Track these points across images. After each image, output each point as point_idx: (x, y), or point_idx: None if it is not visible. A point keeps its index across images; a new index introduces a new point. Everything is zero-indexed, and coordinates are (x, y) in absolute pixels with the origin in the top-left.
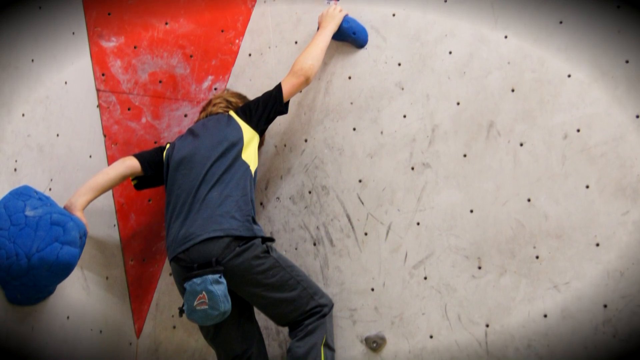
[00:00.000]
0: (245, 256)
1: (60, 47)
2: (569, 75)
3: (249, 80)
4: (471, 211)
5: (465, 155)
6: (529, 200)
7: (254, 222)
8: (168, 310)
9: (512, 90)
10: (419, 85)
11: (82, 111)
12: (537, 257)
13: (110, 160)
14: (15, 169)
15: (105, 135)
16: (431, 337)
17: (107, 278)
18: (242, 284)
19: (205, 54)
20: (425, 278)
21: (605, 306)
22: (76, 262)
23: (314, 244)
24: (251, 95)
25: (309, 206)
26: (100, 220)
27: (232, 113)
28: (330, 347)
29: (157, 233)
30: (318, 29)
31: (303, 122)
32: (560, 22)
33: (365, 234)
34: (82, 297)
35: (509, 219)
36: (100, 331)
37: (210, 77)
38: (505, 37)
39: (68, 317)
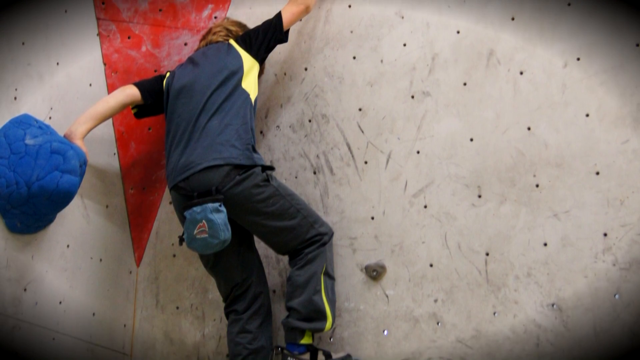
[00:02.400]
0: (245, 185)
1: None
2: (569, 4)
3: (249, 8)
4: (471, 140)
5: (465, 84)
6: (529, 128)
7: (254, 150)
8: (168, 238)
9: (512, 19)
10: (419, 13)
11: (82, 40)
12: (537, 186)
13: (110, 88)
14: (15, 98)
15: (105, 64)
16: (431, 265)
17: (107, 206)
18: (242, 213)
19: None
20: (425, 206)
21: (605, 235)
22: (76, 191)
23: (314, 173)
24: (251, 24)
25: (309, 134)
26: (100, 149)
27: (232, 42)
28: (330, 276)
29: (157, 161)
30: None
31: (303, 51)
32: None
33: (365, 162)
34: (82, 225)
35: (509, 148)
36: (100, 259)
37: (210, 6)
38: None
39: (68, 246)
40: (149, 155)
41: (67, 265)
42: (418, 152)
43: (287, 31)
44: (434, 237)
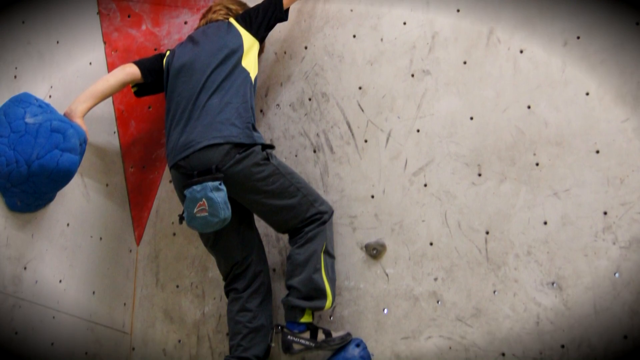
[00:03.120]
0: (245, 163)
1: None
2: None
3: None
4: (471, 118)
5: (465, 62)
6: (529, 107)
7: (254, 129)
8: (168, 217)
9: None
10: None
11: (82, 18)
12: (537, 164)
13: (110, 67)
14: (15, 76)
15: (105, 43)
16: (431, 244)
17: (107, 185)
18: (242, 191)
19: None
20: (425, 185)
21: (605, 213)
22: (76, 169)
23: (314, 151)
24: (251, 3)
25: (309, 113)
26: (100, 128)
27: (232, 20)
28: (330, 254)
29: (157, 140)
30: None
31: (303, 29)
32: None
33: (365, 141)
34: (82, 204)
35: (509, 126)
36: (100, 238)
37: None
38: None
39: (68, 224)
40: (149, 134)
41: (67, 244)
42: (418, 131)
43: (287, 10)
44: (434, 216)
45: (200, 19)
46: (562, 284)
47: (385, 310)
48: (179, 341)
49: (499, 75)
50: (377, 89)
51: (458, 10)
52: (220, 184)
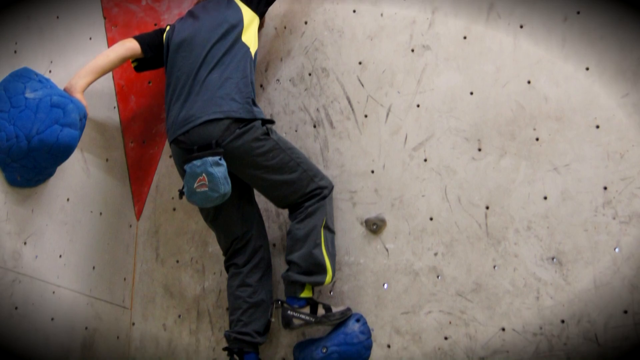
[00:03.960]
0: (245, 138)
1: None
2: None
3: None
4: (471, 93)
5: (465, 38)
6: (529, 82)
7: (254, 104)
8: (168, 192)
9: None
10: None
11: None
12: (537, 139)
13: (110, 42)
14: (15, 52)
15: (105, 18)
16: (431, 219)
17: (107, 160)
18: (242, 166)
19: None
20: (425, 160)
21: (605, 188)
22: (76, 144)
23: (314, 126)
24: None
25: (308, 88)
26: (100, 103)
27: None
28: (330, 229)
29: (157, 115)
30: None
31: (303, 4)
32: None
33: (365, 116)
34: (82, 179)
35: (509, 101)
36: (100, 213)
37: None
38: None
39: (68, 199)
40: (149, 109)
41: (67, 219)
42: (418, 106)
43: None
44: (434, 191)
45: None
46: (562, 259)
47: (385, 285)
48: (179, 316)
49: (499, 51)
50: (377, 64)
51: None
52: (220, 159)
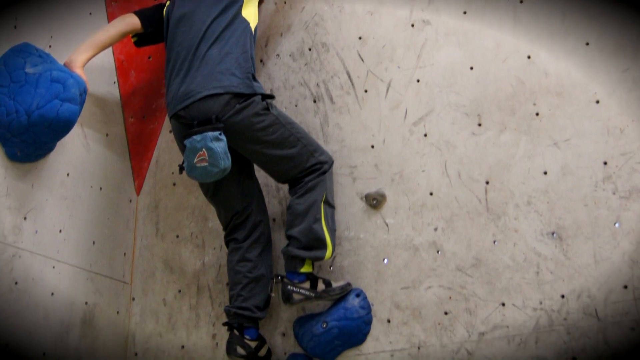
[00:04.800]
0: (245, 113)
1: None
2: None
3: None
4: (471, 68)
5: (465, 12)
6: (529, 57)
7: (254, 79)
8: (168, 167)
9: None
10: None
11: None
12: (537, 114)
13: (110, 17)
14: (15, 27)
15: None
16: (431, 194)
17: (107, 135)
18: (242, 141)
19: None
20: (425, 135)
21: (605, 163)
22: (76, 119)
23: (314, 101)
24: None
25: (309, 63)
26: (100, 77)
27: None
28: (330, 204)
29: (157, 90)
30: None
31: None
32: None
33: (365, 91)
34: (82, 154)
35: (509, 76)
36: (100, 188)
37: None
38: None
39: (68, 174)
40: (149, 84)
41: (67, 194)
42: (418, 81)
43: None
44: (434, 166)
45: None
46: (562, 234)
47: (385, 260)
48: (179, 291)
49: (499, 26)
50: (377, 39)
51: None
52: (220, 134)
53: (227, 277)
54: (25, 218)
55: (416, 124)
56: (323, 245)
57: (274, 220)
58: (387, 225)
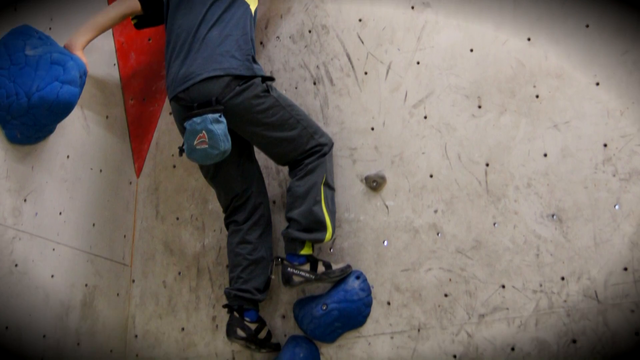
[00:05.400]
0: (245, 95)
1: None
2: None
3: None
4: (471, 50)
5: None
6: (529, 39)
7: (254, 61)
8: (168, 149)
9: None
10: None
11: None
12: (537, 96)
13: (110, 0)
14: (15, 9)
15: None
16: (431, 176)
17: (107, 117)
18: (242, 123)
19: None
20: (425, 117)
21: (605, 145)
22: (76, 101)
23: (314, 83)
24: None
25: (309, 45)
26: (100, 59)
27: None
28: (330, 186)
29: (157, 72)
30: None
31: None
32: None
33: (365, 73)
34: (82, 136)
35: (509, 58)
36: (100, 170)
37: None
38: None
39: (68, 156)
40: (148, 66)
41: (67, 176)
42: (418, 63)
43: None
44: (434, 148)
45: None
46: (562, 216)
47: (385, 243)
48: (179, 273)
49: (499, 8)
50: (377, 21)
51: None
52: (220, 116)
53: (227, 260)
54: (25, 200)
55: (416, 106)
56: (323, 228)
57: (274, 202)
58: (387, 207)
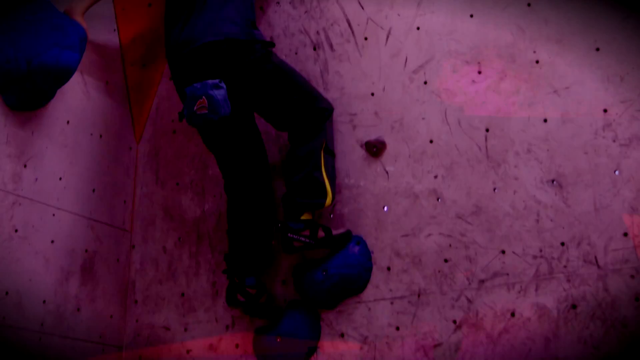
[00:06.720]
0: (245, 61)
1: None
2: None
3: None
4: (471, 16)
5: None
6: (529, 4)
7: (254, 26)
8: (168, 115)
9: None
10: None
11: None
12: (537, 62)
13: None
14: None
15: None
16: (431, 141)
17: (107, 83)
18: (242, 89)
19: None
20: (425, 83)
21: (605, 111)
22: (76, 67)
23: (314, 49)
24: None
25: (309, 11)
26: (100, 25)
27: None
28: (330, 152)
29: (157, 38)
30: None
31: None
32: None
33: (365, 38)
34: (82, 101)
35: (509, 24)
36: (100, 135)
37: None
38: None
39: (68, 122)
40: (149, 31)
41: (67, 142)
42: (418, 29)
43: None
44: (434, 113)
45: None
46: (562, 181)
47: (386, 208)
48: (179, 239)
49: None
50: None
51: None
52: (220, 82)
53: (227, 225)
54: (25, 166)
55: (416, 71)
56: (323, 193)
57: (274, 167)
58: (387, 172)
